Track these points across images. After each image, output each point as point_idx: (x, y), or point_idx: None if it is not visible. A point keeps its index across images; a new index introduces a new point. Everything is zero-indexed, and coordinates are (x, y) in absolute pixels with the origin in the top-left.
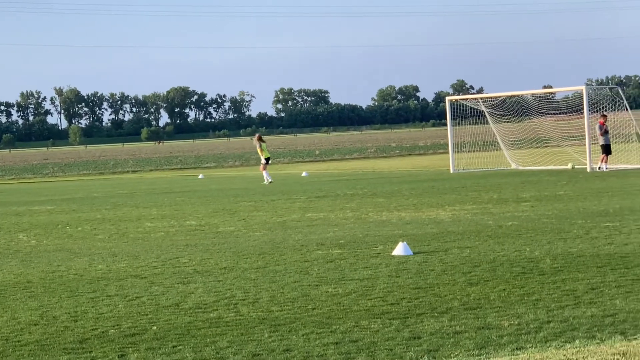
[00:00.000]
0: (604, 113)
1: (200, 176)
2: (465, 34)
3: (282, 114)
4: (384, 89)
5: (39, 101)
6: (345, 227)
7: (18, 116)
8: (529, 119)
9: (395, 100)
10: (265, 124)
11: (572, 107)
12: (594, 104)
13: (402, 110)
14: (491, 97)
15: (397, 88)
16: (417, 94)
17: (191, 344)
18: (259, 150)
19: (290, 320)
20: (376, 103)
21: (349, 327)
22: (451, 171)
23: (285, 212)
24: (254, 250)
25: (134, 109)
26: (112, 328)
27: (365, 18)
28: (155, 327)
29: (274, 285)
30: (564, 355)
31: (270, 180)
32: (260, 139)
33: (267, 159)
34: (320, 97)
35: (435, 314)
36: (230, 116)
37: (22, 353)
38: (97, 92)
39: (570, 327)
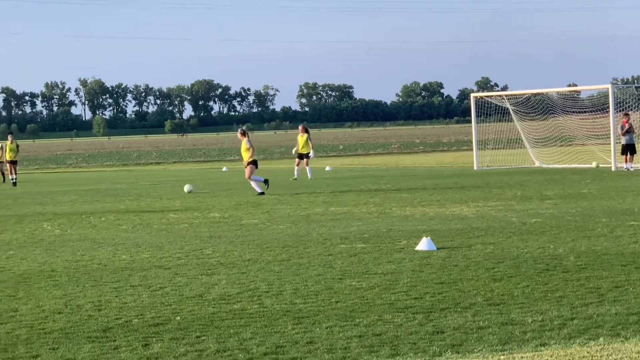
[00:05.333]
0: (627, 112)
1: (224, 169)
2: (490, 31)
3: (306, 109)
4: (409, 85)
5: (64, 92)
6: (368, 221)
7: (42, 107)
8: (554, 117)
9: (419, 97)
10: (289, 118)
11: (597, 105)
12: (620, 103)
13: (426, 106)
14: (516, 95)
15: (421, 84)
16: (442, 91)
17: (215, 334)
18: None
19: (313, 313)
20: (400, 99)
21: (373, 320)
22: (475, 168)
23: (309, 206)
24: (278, 243)
25: (158, 101)
26: (136, 318)
27: (390, 14)
28: (178, 318)
29: (297, 278)
30: (588, 353)
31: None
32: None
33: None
34: (344, 92)
35: (459, 309)
36: (254, 110)
37: (47, 341)
38: (122, 84)
39: (594, 324)
